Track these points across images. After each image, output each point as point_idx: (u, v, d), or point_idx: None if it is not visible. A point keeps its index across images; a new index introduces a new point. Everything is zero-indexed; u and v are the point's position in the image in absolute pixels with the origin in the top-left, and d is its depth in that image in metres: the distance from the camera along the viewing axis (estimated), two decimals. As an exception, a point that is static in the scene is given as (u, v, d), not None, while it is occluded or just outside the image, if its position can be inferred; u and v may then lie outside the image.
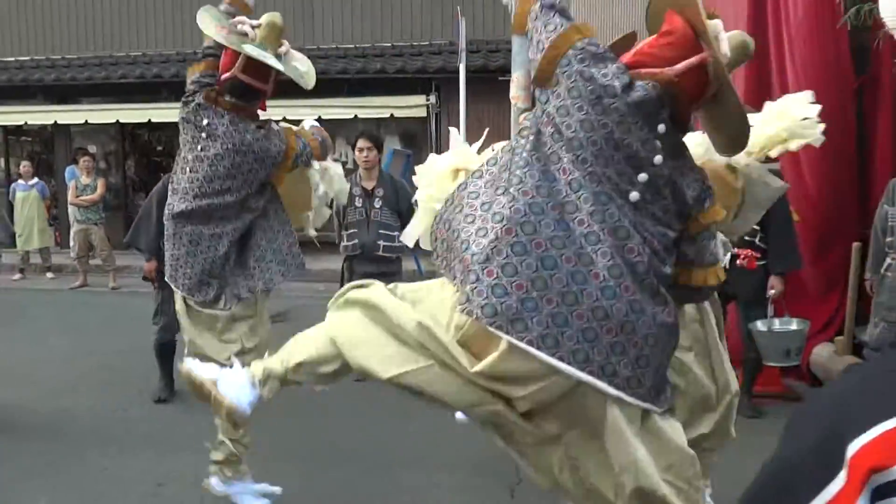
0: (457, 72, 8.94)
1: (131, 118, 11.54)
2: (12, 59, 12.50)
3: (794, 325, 4.30)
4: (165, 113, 11.09)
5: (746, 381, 4.43)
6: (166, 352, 4.74)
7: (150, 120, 11.26)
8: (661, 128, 1.86)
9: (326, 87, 10.98)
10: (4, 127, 12.60)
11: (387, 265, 5.01)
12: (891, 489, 0.58)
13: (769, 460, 0.69)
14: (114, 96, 11.69)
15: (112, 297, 8.91)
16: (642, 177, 1.84)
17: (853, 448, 0.60)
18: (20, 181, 10.31)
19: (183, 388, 3.34)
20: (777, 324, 4.33)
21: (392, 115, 10.65)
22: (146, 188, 13.93)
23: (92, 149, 11.80)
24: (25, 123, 12.35)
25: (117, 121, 11.73)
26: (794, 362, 4.28)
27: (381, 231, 4.97)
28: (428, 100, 10.53)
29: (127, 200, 12.81)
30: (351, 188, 4.72)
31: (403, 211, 4.87)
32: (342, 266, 5.26)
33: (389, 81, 10.51)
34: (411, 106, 10.59)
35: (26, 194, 10.08)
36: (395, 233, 4.82)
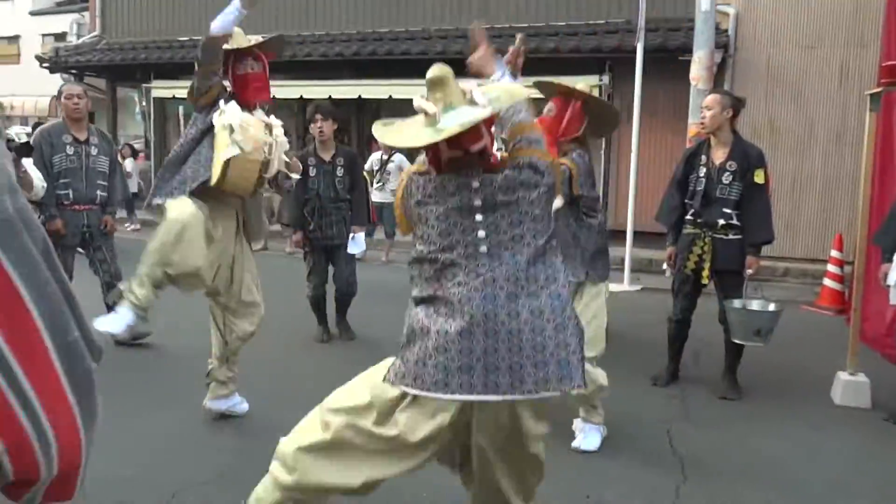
0: (633, 51, 8.59)
1: (314, 94, 12.15)
2: (199, 37, 13.54)
3: (771, 307, 4.38)
4: (345, 90, 11.63)
5: (730, 362, 4.66)
6: (321, 303, 5.77)
7: (330, 96, 11.80)
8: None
9: (498, 66, 11.00)
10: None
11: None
12: None
13: None
14: (296, 73, 12.36)
15: (288, 259, 9.44)
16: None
17: None
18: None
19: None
20: (754, 304, 4.44)
21: (563, 95, 10.46)
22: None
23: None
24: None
25: (300, 96, 12.40)
26: (760, 343, 4.31)
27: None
28: (601, 80, 10.22)
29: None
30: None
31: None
32: None
33: (561, 61, 10.31)
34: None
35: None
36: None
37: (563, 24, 10.96)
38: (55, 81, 17.40)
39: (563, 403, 4.11)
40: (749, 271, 4.46)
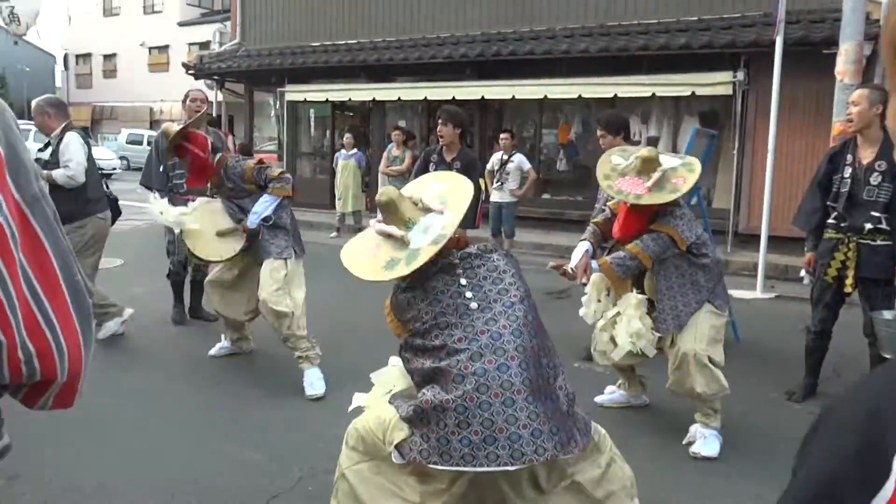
0: (771, 45, 8.12)
1: (438, 96, 12.33)
2: (342, 42, 14.05)
3: None
4: (468, 91, 11.72)
5: None
6: None
7: (454, 97, 11.94)
8: None
9: (625, 64, 10.78)
10: (333, 102, 14.22)
11: None
12: None
13: (800, 469, 0.65)
14: (422, 75, 12.58)
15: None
16: None
17: None
18: (343, 150, 11.58)
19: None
20: None
21: (693, 93, 10.04)
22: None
23: (402, 124, 12.85)
24: (349, 99, 13.82)
25: (425, 98, 12.60)
26: None
27: None
28: (735, 76, 9.73)
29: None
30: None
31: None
32: None
33: (692, 57, 9.91)
34: (715, 83, 9.88)
35: (346, 163, 11.31)
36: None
37: (695, 18, 10.53)
38: (200, 87, 18.62)
39: (679, 404, 3.98)
40: None
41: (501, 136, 9.33)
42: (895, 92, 0.69)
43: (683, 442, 3.76)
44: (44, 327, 1.09)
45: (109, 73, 36.75)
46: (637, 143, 6.23)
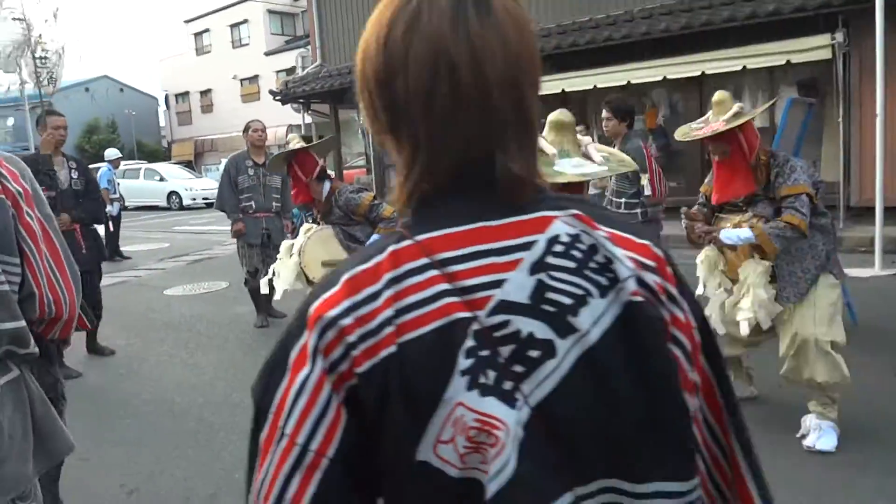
0: (872, 2, 7.51)
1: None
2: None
3: None
4: (548, 85, 11.44)
5: None
6: None
7: (563, 90, 11.65)
8: None
9: (710, 38, 10.25)
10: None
11: None
12: (327, 325, 0.77)
13: None
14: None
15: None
16: None
17: (312, 308, 0.80)
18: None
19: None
20: None
21: (788, 61, 9.43)
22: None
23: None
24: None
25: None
26: None
27: (610, 197, 5.04)
28: (833, 39, 9.06)
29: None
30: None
31: (631, 176, 4.85)
32: None
33: (784, 23, 9.31)
34: (812, 48, 9.22)
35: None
36: (623, 199, 4.94)
37: (783, -18, 9.90)
38: (287, 112, 19.18)
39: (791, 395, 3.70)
40: None
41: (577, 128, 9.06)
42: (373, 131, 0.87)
43: (797, 435, 3.51)
44: (56, 286, 2.01)
45: (206, 108, 38.58)
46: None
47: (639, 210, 5.01)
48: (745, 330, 3.51)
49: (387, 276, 0.79)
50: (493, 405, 0.76)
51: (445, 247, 0.79)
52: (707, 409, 0.90)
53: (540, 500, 0.77)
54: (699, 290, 3.84)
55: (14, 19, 15.56)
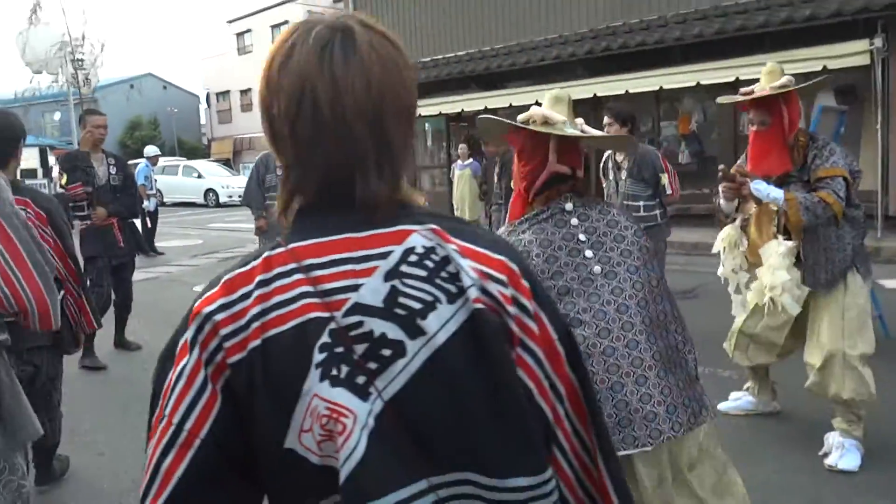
0: (910, 6, 7.34)
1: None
2: (451, 54, 14.15)
3: None
4: (579, 90, 11.43)
5: None
6: None
7: (595, 94, 11.65)
8: None
9: (744, 43, 10.10)
10: (447, 115, 14.33)
11: None
12: (205, 320, 0.89)
13: None
14: (533, 79, 12.42)
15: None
16: None
17: (194, 306, 0.92)
18: (458, 161, 11.64)
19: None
20: None
21: (825, 66, 9.23)
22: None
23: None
24: (462, 111, 13.88)
25: (536, 101, 12.41)
26: None
27: (625, 202, 5.09)
28: (872, 44, 8.86)
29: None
30: (606, 162, 5.21)
31: (647, 178, 5.04)
32: None
33: (820, 28, 9.13)
34: (850, 54, 9.03)
35: (462, 173, 11.33)
36: (640, 202, 5.05)
37: (821, -14, 9.72)
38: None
39: (817, 410, 3.63)
40: None
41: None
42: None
43: (819, 453, 3.42)
44: (14, 280, 2.09)
45: (246, 107, 39.13)
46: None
47: (658, 211, 5.10)
48: (793, 309, 3.36)
49: (258, 278, 0.89)
50: (341, 395, 0.84)
51: (312, 254, 0.89)
52: (574, 416, 0.96)
53: (389, 484, 0.84)
54: (719, 270, 3.76)
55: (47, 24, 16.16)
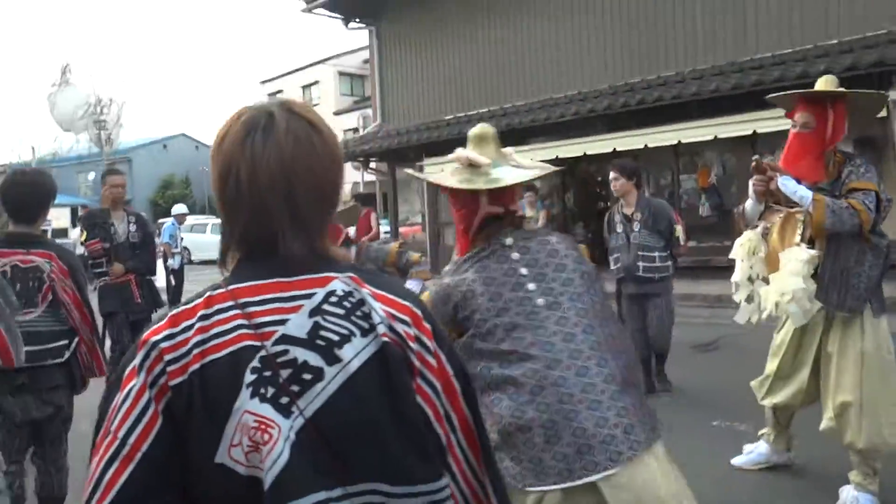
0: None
1: (569, 153, 12.25)
2: (474, 112, 14.45)
3: None
4: (599, 145, 11.58)
5: None
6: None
7: (584, 153, 11.83)
8: None
9: (759, 98, 10.07)
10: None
11: (649, 286, 5.35)
12: (151, 347, 1.02)
13: None
14: (553, 135, 12.62)
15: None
16: None
17: (143, 336, 1.05)
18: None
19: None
20: None
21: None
22: (584, 217, 14.72)
23: (536, 184, 12.87)
24: (484, 166, 14.08)
25: (556, 156, 12.60)
26: None
27: (639, 253, 5.24)
28: (888, 96, 8.90)
29: (567, 229, 13.63)
30: (612, 216, 5.49)
31: (662, 229, 5.23)
32: (616, 288, 5.53)
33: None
34: None
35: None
36: (655, 253, 5.22)
37: (834, 42, 9.84)
38: (349, 169, 19.79)
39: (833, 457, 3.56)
40: None
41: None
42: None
43: (834, 508, 3.36)
44: None
45: (277, 165, 40.04)
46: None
47: (670, 262, 5.32)
48: (797, 320, 3.32)
49: (200, 313, 1.05)
50: (268, 410, 0.99)
51: (248, 294, 1.06)
52: (468, 448, 1.13)
53: (308, 488, 0.98)
54: (732, 277, 3.69)
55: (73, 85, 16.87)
